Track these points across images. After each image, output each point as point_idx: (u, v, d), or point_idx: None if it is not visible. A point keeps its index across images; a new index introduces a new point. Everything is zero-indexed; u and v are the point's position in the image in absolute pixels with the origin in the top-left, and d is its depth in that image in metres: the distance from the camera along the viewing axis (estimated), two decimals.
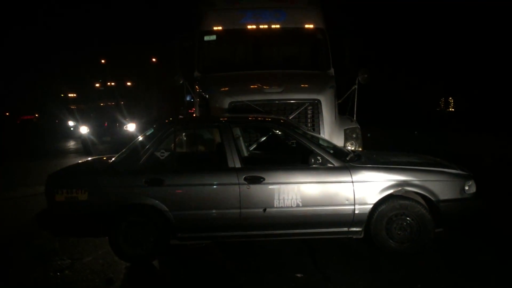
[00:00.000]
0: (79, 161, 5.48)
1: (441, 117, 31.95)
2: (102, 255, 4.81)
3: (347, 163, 4.62)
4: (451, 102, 43.77)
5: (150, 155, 4.62)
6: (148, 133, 4.87)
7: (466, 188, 4.56)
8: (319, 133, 5.99)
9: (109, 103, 19.34)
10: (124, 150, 4.84)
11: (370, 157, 5.07)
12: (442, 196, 4.49)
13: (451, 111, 42.31)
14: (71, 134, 20.94)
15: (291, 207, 4.44)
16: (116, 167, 4.63)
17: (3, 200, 7.84)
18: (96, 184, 4.50)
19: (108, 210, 4.42)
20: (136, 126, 17.10)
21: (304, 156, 4.58)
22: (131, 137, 14.50)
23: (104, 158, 5.56)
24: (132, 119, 17.33)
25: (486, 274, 4.14)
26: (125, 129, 16.95)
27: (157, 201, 4.43)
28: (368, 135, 9.34)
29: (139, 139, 4.87)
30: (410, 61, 33.48)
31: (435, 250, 4.61)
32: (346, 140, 6.30)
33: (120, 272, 4.40)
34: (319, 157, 4.49)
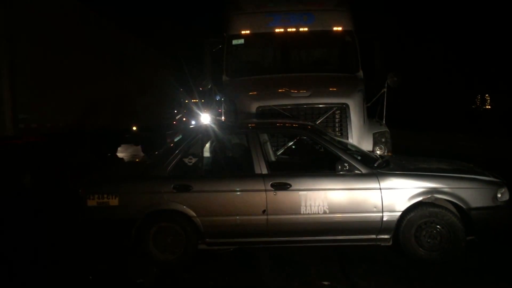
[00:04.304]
0: (111, 166, 5.61)
1: (477, 115, 31.03)
2: (131, 260, 4.88)
3: (375, 169, 4.57)
4: (488, 100, 42.56)
5: (179, 161, 4.70)
6: (176, 140, 4.96)
7: (499, 195, 4.44)
8: (347, 138, 5.94)
9: None
10: (154, 156, 4.94)
11: (399, 163, 5.00)
12: (474, 204, 4.39)
13: (488, 108, 41.15)
14: None
15: (318, 213, 4.43)
16: (146, 173, 4.74)
17: None
18: (126, 189, 4.61)
19: (138, 216, 4.52)
20: None
21: (331, 163, 4.56)
22: None
23: (137, 161, 5.68)
24: None
25: None
26: None
27: (185, 207, 4.50)
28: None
29: (169, 146, 4.96)
30: (444, 56, 32.64)
31: (465, 259, 4.51)
32: (375, 144, 6.22)
33: (150, 277, 4.48)
34: (346, 164, 4.46)
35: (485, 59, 31.22)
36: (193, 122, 19.06)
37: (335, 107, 6.07)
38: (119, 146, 12.96)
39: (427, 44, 31.81)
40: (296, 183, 4.47)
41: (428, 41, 31.89)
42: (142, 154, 13.78)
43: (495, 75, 31.65)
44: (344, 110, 6.06)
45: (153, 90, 14.91)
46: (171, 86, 17.71)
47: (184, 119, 19.96)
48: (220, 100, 7.61)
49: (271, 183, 4.46)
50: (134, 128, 12.82)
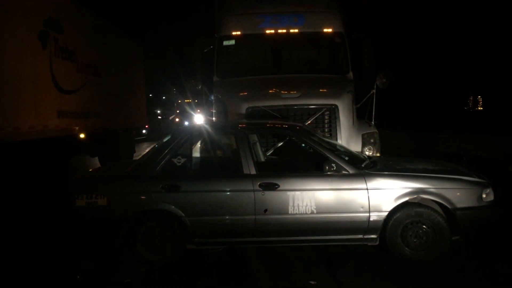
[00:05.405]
0: (100, 166, 5.61)
1: (469, 116, 31.24)
2: (120, 259, 4.89)
3: (362, 170, 4.61)
4: (480, 101, 42.91)
5: (167, 161, 4.71)
6: (165, 140, 4.97)
7: (484, 196, 4.50)
8: (336, 139, 5.98)
9: None
10: (142, 156, 4.96)
11: (386, 163, 5.05)
12: (459, 204, 4.45)
13: (480, 110, 41.47)
14: None
15: (306, 214, 4.47)
16: (134, 173, 4.75)
17: None
18: (115, 189, 4.63)
19: (126, 215, 4.53)
20: None
21: (319, 163, 4.60)
22: None
23: (125, 162, 5.69)
24: None
25: (504, 285, 4.07)
26: None
27: (173, 207, 4.52)
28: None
29: (157, 146, 4.98)
30: (435, 58, 32.80)
31: (451, 259, 4.56)
32: (364, 145, 6.27)
33: (138, 277, 4.49)
34: (333, 164, 4.50)
35: (478, 60, 31.43)
36: (186, 123, 19.02)
37: (324, 108, 6.12)
38: (70, 158, 9.29)
39: (421, 44, 31.95)
40: (284, 183, 4.50)
41: (422, 42, 32.03)
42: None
43: (488, 77, 31.87)
44: (333, 111, 6.10)
45: (116, 89, 11.70)
46: (141, 83, 14.65)
47: (177, 119, 19.91)
48: (212, 100, 7.63)
49: (259, 183, 4.49)
50: (82, 135, 9.38)
